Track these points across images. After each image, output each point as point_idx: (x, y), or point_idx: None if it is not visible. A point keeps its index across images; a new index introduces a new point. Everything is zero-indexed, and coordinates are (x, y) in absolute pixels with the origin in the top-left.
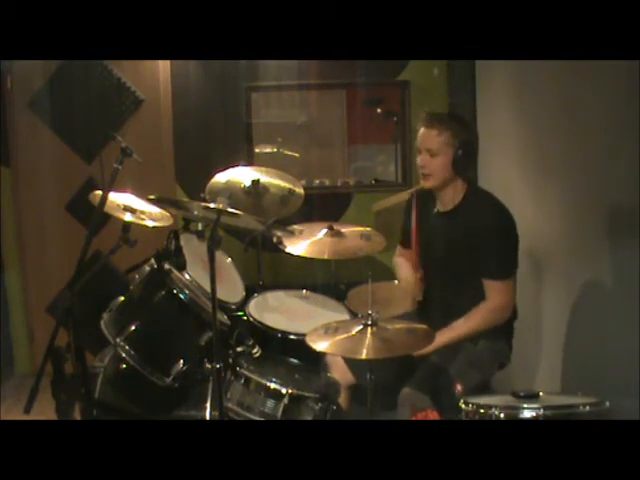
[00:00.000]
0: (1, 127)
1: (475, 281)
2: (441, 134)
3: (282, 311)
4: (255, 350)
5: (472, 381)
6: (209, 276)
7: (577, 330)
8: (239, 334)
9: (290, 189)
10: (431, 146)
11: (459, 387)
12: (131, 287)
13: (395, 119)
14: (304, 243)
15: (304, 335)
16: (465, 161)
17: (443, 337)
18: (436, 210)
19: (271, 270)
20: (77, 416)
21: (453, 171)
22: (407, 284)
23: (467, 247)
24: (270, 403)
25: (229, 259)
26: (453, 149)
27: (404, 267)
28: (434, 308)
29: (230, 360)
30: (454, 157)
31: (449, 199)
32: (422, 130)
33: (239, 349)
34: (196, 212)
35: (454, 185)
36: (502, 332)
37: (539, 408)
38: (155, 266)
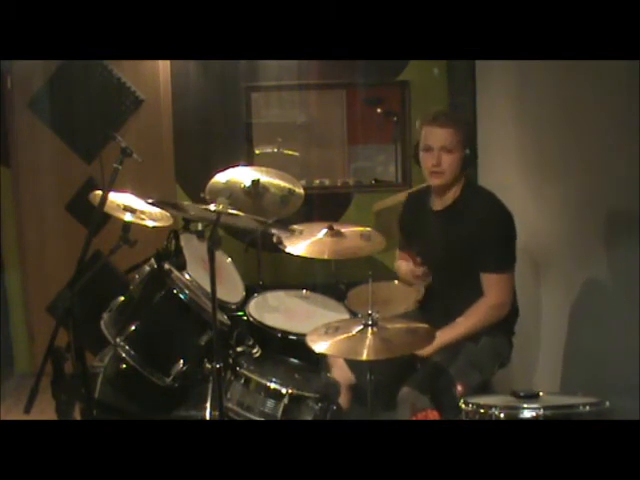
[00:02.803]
0: (1, 127)
1: (474, 278)
2: (457, 132)
3: (282, 311)
4: (255, 350)
5: (472, 381)
6: (209, 276)
7: (577, 330)
8: (239, 334)
9: (290, 189)
10: (447, 144)
11: (459, 388)
12: (131, 287)
13: (395, 119)
14: (304, 243)
15: (304, 335)
16: (472, 159)
17: (443, 336)
18: (432, 208)
19: (271, 270)
20: (77, 416)
21: (461, 168)
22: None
23: (465, 243)
24: (270, 403)
25: (229, 259)
26: (464, 147)
27: (403, 269)
28: (434, 307)
29: (230, 360)
30: (464, 155)
31: (450, 195)
32: (437, 130)
33: (239, 349)
34: (193, 213)
35: (458, 182)
36: (503, 331)
37: (539, 408)
38: (155, 266)
